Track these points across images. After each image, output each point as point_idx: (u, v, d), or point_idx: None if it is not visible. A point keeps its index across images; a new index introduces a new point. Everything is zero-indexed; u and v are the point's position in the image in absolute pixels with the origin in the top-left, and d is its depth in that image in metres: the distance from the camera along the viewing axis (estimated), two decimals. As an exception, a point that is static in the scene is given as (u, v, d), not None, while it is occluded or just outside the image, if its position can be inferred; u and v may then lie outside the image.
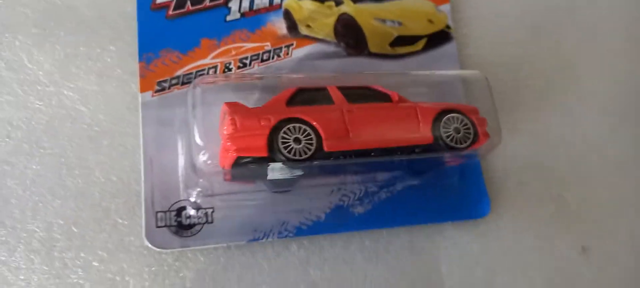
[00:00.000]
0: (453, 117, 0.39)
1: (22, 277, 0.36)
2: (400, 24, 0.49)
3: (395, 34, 0.49)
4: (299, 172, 0.39)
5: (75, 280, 0.37)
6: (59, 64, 0.41)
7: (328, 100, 0.38)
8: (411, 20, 0.50)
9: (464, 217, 0.46)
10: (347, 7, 0.48)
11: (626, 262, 0.47)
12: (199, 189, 0.40)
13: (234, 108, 0.36)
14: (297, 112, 0.37)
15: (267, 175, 0.39)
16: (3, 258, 0.36)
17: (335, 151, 0.36)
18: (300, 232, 0.42)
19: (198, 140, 0.36)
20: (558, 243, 0.47)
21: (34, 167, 0.38)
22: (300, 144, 0.36)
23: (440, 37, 0.50)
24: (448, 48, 0.50)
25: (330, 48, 0.47)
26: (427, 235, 0.45)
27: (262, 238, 0.41)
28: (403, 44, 0.49)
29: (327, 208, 0.43)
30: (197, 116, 0.36)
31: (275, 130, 0.36)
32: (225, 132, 0.36)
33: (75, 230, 0.38)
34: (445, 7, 0.51)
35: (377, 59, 0.48)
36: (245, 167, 0.37)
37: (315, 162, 0.36)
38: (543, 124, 0.50)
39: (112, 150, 0.40)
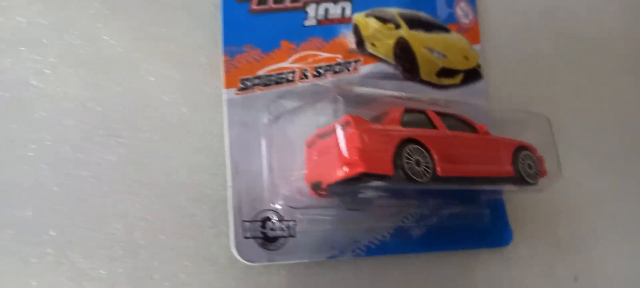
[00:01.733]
0: (527, 154, 0.43)
1: (102, 290, 0.30)
2: (444, 56, 0.52)
3: (441, 65, 0.51)
4: (384, 194, 0.39)
5: (161, 295, 0.32)
6: (138, 43, 0.35)
7: (430, 124, 0.39)
8: (452, 54, 0.53)
9: (495, 244, 0.50)
10: (404, 32, 0.50)
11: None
12: (282, 202, 0.38)
13: (359, 122, 0.35)
14: (414, 133, 0.37)
15: (358, 193, 0.38)
16: (81, 264, 0.30)
17: (446, 176, 0.37)
18: (370, 251, 0.42)
19: (345, 152, 0.34)
20: (558, 272, 0.53)
21: (112, 158, 0.33)
22: (420, 166, 0.36)
23: (473, 74, 0.54)
24: (479, 85, 0.54)
25: (390, 69, 0.48)
26: (468, 259, 0.48)
27: (338, 256, 0.40)
28: (446, 75, 0.52)
29: (390, 229, 0.43)
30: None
31: (398, 150, 0.35)
32: (346, 145, 0.34)
33: (161, 237, 0.33)
34: (477, 47, 0.55)
35: (426, 86, 0.50)
36: (347, 184, 0.36)
37: (428, 186, 0.36)
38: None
39: (197, 149, 0.36)
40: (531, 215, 0.53)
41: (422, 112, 0.40)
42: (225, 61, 0.38)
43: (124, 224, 0.32)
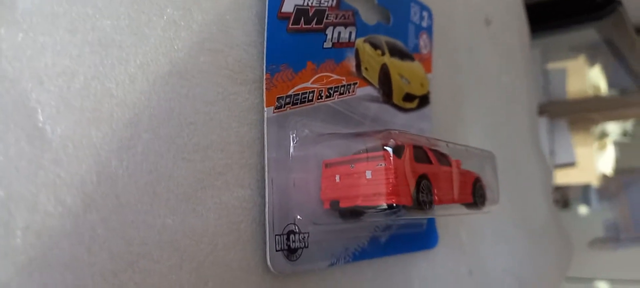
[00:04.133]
0: (480, 184, 0.53)
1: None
2: (409, 82, 0.59)
3: (406, 90, 0.59)
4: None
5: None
6: (202, 56, 0.36)
7: (428, 160, 0.46)
8: (414, 80, 0.60)
9: (427, 246, 0.60)
10: (386, 59, 0.56)
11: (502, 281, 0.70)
12: (301, 215, 0.42)
13: (393, 158, 0.40)
14: (423, 169, 0.43)
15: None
16: (151, 266, 0.31)
17: (438, 204, 0.45)
18: (355, 257, 0.48)
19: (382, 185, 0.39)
20: (459, 267, 0.67)
21: (180, 173, 0.33)
22: (428, 198, 0.43)
23: (425, 99, 0.63)
24: (427, 110, 0.63)
25: (375, 93, 0.54)
26: (410, 259, 0.57)
27: (335, 263, 0.45)
28: (408, 100, 0.59)
29: (368, 237, 0.50)
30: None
31: (417, 185, 0.42)
32: (385, 179, 0.40)
33: (218, 251, 0.35)
34: (429, 75, 0.64)
35: (394, 109, 0.57)
36: (370, 210, 0.42)
37: (429, 214, 0.44)
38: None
39: (243, 166, 0.38)
40: (447, 222, 0.65)
41: (421, 147, 0.46)
42: (267, 79, 0.40)
43: (191, 240, 0.33)
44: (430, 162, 0.46)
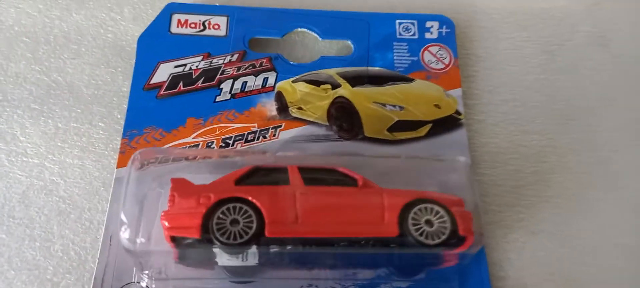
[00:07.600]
0: (426, 208, 0.34)
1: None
2: (402, 108, 0.46)
3: (395, 119, 0.45)
4: (253, 261, 0.35)
5: None
6: (48, 138, 0.42)
7: (284, 181, 0.35)
8: (415, 105, 0.46)
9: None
10: (344, 91, 0.46)
11: None
12: (147, 272, 0.38)
13: (176, 184, 0.34)
14: (242, 191, 0.34)
15: (215, 260, 0.36)
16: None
17: (278, 237, 0.32)
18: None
19: (123, 216, 0.34)
20: None
21: (1, 235, 0.39)
22: (238, 225, 0.32)
23: (447, 123, 0.46)
24: (456, 135, 0.45)
25: (321, 131, 0.45)
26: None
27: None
28: (404, 129, 0.45)
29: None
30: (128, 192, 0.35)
31: (212, 210, 0.33)
32: (166, 209, 0.34)
33: (21, 304, 0.36)
34: (456, 92, 0.47)
35: (372, 143, 0.45)
36: (191, 249, 0.34)
37: (258, 248, 0.32)
38: (570, 225, 0.42)
39: (78, 225, 0.40)
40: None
41: (281, 169, 0.36)
42: (123, 144, 0.42)
43: (-1, 291, 0.37)
44: (285, 183, 0.35)
